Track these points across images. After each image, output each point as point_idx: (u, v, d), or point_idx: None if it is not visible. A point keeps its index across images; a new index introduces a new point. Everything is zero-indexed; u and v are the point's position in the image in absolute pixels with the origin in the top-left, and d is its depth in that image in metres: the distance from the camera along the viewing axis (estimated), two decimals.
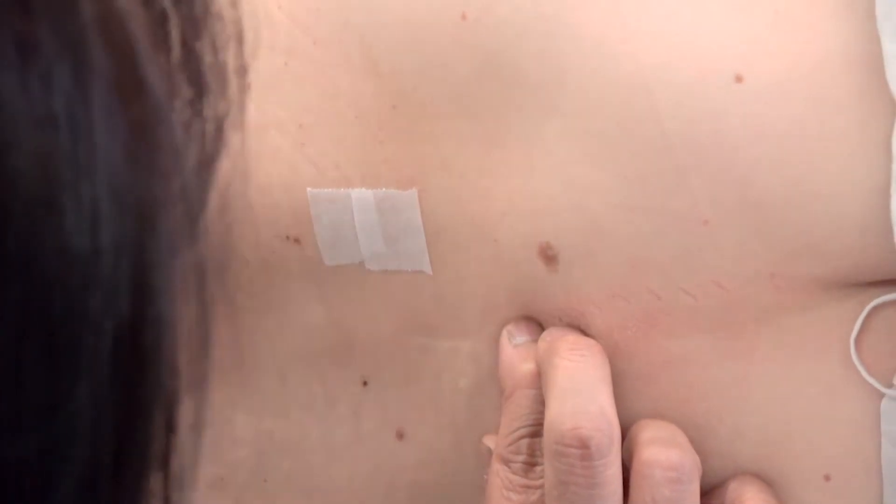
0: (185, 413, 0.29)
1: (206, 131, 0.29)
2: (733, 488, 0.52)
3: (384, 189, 0.52)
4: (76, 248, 0.24)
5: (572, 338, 0.52)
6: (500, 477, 0.52)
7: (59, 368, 0.25)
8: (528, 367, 0.52)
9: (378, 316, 0.55)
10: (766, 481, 0.52)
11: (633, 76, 0.48)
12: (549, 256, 0.51)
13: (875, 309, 0.48)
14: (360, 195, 0.52)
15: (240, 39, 0.30)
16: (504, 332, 0.54)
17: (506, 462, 0.52)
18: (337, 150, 0.52)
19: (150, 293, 0.26)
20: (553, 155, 0.50)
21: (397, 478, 0.56)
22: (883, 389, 0.48)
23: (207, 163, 0.29)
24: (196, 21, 0.29)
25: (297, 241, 0.54)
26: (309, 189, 0.52)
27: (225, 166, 0.30)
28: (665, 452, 0.50)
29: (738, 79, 0.47)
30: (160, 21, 0.27)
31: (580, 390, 0.50)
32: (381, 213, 0.52)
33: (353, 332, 0.55)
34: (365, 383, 0.56)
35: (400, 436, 0.56)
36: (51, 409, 0.25)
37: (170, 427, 0.28)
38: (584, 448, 0.48)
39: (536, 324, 0.54)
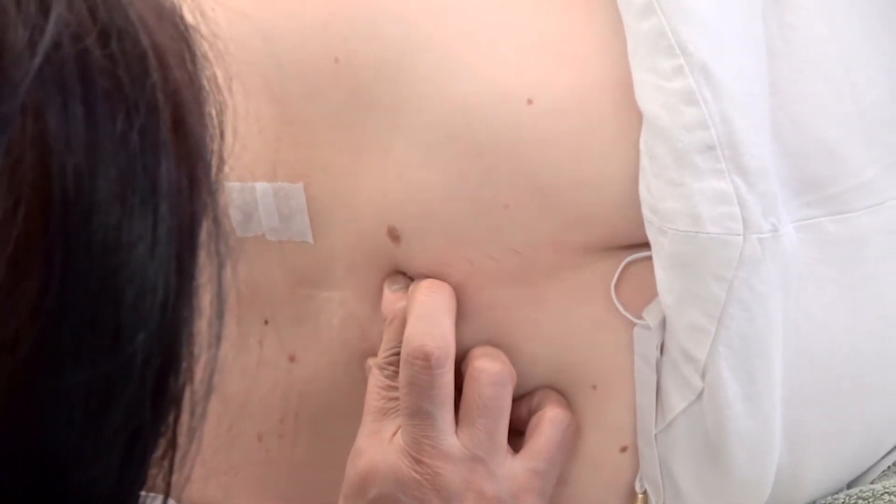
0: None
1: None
2: (539, 395, 0.59)
3: (279, 182, 0.60)
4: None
5: (429, 281, 0.59)
6: (376, 379, 0.59)
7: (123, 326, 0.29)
8: (401, 304, 0.59)
9: (275, 273, 0.62)
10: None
11: (454, 102, 0.55)
12: (394, 235, 0.59)
13: (628, 264, 0.57)
14: (262, 187, 0.60)
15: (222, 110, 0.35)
16: (386, 282, 0.60)
17: (381, 369, 0.59)
18: (246, 155, 0.56)
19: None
20: (399, 161, 0.57)
21: (290, 389, 0.63)
22: (635, 320, 0.57)
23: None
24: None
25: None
26: (226, 182, 0.59)
27: None
28: (490, 363, 0.58)
29: (530, 101, 0.55)
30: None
31: (428, 318, 0.57)
32: (277, 199, 0.60)
33: (257, 285, 0.62)
34: (266, 322, 0.63)
35: (292, 359, 0.63)
36: (114, 349, 0.29)
37: (191, 372, 0.33)
38: (425, 360, 0.56)
39: (408, 277, 0.60)
